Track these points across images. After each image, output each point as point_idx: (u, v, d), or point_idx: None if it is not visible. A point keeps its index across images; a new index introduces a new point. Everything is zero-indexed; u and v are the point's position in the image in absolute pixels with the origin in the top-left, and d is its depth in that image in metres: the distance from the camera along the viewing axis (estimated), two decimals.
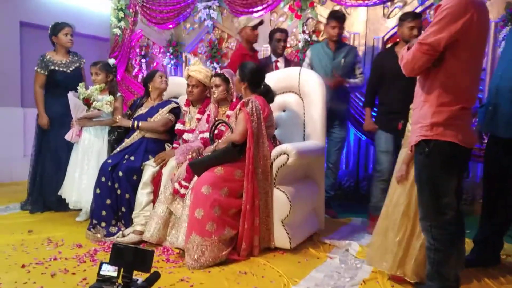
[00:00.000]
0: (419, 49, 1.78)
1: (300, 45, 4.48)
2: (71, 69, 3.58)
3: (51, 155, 3.49)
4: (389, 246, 2.17)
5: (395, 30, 3.96)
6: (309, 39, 4.45)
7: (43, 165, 3.53)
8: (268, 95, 2.82)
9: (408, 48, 1.88)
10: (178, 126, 3.18)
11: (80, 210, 3.32)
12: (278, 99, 3.19)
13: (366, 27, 4.26)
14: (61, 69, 3.55)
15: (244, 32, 3.67)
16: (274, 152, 2.65)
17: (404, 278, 2.15)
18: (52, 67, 3.53)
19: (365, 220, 3.49)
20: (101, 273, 1.48)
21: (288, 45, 4.65)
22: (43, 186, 3.52)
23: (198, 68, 3.10)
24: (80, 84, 3.30)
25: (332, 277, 2.29)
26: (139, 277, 1.47)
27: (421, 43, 1.77)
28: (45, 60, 3.53)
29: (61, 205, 3.40)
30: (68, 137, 3.29)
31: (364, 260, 2.53)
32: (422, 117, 1.86)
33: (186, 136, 3.11)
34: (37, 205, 3.51)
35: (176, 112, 3.26)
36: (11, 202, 3.77)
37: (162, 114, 3.22)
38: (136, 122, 3.16)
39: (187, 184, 2.66)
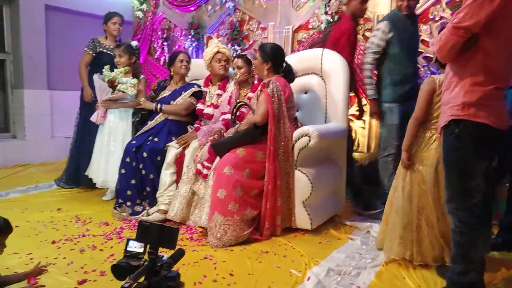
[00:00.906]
0: (454, 33, 1.70)
1: (323, 26, 4.40)
2: None
3: (89, 135, 3.61)
4: (395, 231, 2.23)
5: (420, 10, 3.84)
6: (331, 20, 4.37)
7: (82, 143, 3.68)
8: (290, 75, 2.80)
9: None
10: (199, 106, 3.21)
11: (107, 189, 3.42)
12: (299, 81, 3.18)
13: (390, 8, 4.14)
14: (108, 52, 3.74)
15: (351, 4, 3.23)
16: (296, 133, 2.65)
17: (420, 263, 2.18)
18: (100, 49, 3.75)
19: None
20: (128, 249, 1.52)
21: (310, 27, 4.60)
22: (79, 163, 3.66)
23: (225, 46, 3.23)
24: (106, 67, 3.35)
25: (354, 258, 2.31)
26: (165, 254, 1.51)
27: (456, 26, 1.68)
28: (95, 42, 3.77)
29: (92, 183, 3.51)
30: (93, 118, 3.37)
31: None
32: (453, 97, 1.81)
33: (206, 110, 3.16)
34: (72, 181, 3.71)
35: (198, 95, 3.29)
36: (40, 182, 3.91)
37: (185, 98, 3.25)
38: (159, 105, 3.21)
39: (209, 165, 2.70)
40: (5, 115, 4.91)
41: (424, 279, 2.06)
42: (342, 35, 3.22)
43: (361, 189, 3.30)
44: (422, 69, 4.00)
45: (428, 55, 3.96)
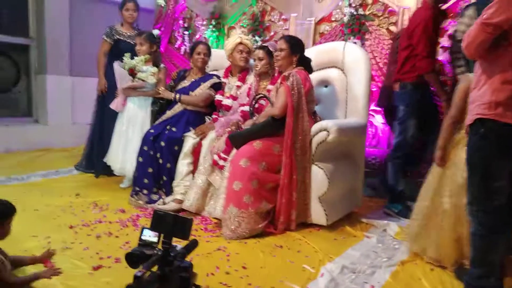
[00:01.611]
0: (483, 29, 1.63)
1: (345, 19, 4.31)
2: (134, 41, 3.69)
3: (107, 121, 3.64)
4: (418, 227, 2.22)
5: (448, 4, 3.71)
6: (355, 13, 4.28)
7: (100, 130, 3.72)
8: (308, 68, 2.77)
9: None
10: (218, 97, 3.20)
11: (125, 176, 3.45)
12: (320, 74, 3.13)
13: (416, 1, 4.02)
14: (125, 40, 3.74)
15: None
16: (314, 128, 2.61)
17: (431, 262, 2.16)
18: (117, 37, 3.74)
19: (407, 202, 3.40)
20: (143, 237, 1.53)
21: (333, 19, 4.52)
22: (97, 150, 3.70)
23: (247, 37, 3.20)
24: (126, 54, 3.36)
25: (369, 256, 2.27)
26: (178, 243, 1.51)
27: (486, 23, 1.61)
28: (112, 30, 3.76)
29: (110, 170, 3.54)
30: (113, 106, 3.40)
31: (402, 241, 2.50)
32: (480, 95, 1.75)
33: (225, 101, 3.15)
34: (90, 166, 3.77)
35: (217, 87, 3.27)
36: (60, 167, 3.98)
37: (203, 89, 3.25)
38: (178, 95, 3.21)
39: (226, 157, 2.69)
40: (29, 100, 5.01)
41: (441, 281, 2.01)
42: (416, 26, 2.89)
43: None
44: (448, 65, 3.89)
45: None
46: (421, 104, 3.01)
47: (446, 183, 2.14)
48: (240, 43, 3.11)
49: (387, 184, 3.19)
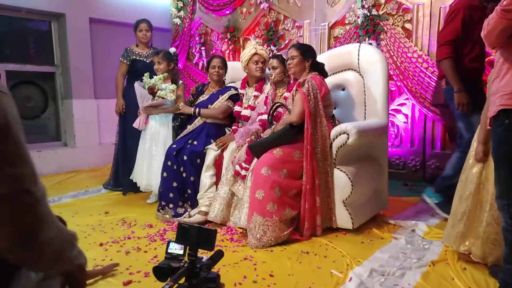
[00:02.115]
0: (504, 16, 1.59)
1: (359, 21, 4.30)
2: (149, 60, 3.84)
3: (130, 139, 3.74)
4: (457, 221, 2.12)
5: None
6: (368, 14, 4.26)
7: (124, 149, 3.83)
8: (322, 73, 2.78)
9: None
10: (236, 108, 3.24)
11: (151, 192, 3.53)
12: (336, 78, 3.13)
13: None
14: (141, 59, 3.87)
15: None
16: (334, 131, 2.60)
17: (478, 261, 2.04)
18: (134, 57, 3.87)
19: (434, 201, 3.33)
20: (169, 251, 1.56)
21: (346, 22, 4.51)
22: (123, 168, 3.81)
23: (263, 48, 3.23)
24: (145, 74, 3.46)
25: (398, 258, 2.23)
26: (204, 255, 1.54)
27: (506, 9, 1.57)
28: (128, 51, 3.89)
29: (136, 187, 3.63)
30: (136, 125, 3.49)
31: (432, 240, 2.44)
32: (503, 85, 1.69)
33: (244, 112, 3.18)
34: (118, 185, 3.88)
35: (235, 98, 3.32)
36: (89, 187, 4.11)
37: (222, 101, 3.30)
38: (197, 109, 3.28)
39: (247, 166, 2.71)
40: (57, 124, 5.20)
41: (475, 280, 1.96)
42: (449, 15, 2.78)
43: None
44: None
45: None
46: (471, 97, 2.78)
47: (489, 178, 2.02)
48: (255, 53, 3.15)
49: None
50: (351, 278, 1.96)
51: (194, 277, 1.42)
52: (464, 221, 2.10)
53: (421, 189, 3.76)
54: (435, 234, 2.54)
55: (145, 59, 3.87)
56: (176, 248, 1.57)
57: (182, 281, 1.36)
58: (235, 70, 3.60)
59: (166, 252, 1.56)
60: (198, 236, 1.53)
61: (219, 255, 1.58)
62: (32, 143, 4.93)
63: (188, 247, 1.54)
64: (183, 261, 1.54)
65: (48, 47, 5.05)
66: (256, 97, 3.19)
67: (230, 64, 3.53)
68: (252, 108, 3.18)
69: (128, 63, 3.87)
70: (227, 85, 3.49)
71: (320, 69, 2.77)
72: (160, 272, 1.42)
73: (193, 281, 1.41)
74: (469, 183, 2.11)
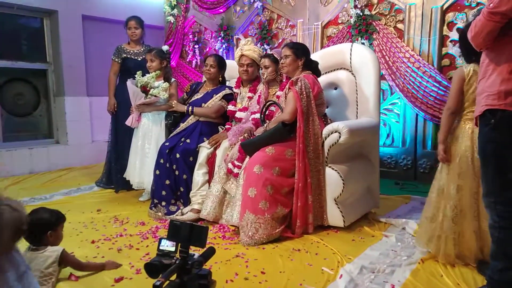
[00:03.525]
0: (491, 18, 1.60)
1: (352, 20, 4.33)
2: (141, 57, 3.83)
3: (122, 137, 3.74)
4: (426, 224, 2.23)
5: None
6: (361, 14, 4.29)
7: (116, 146, 3.81)
8: (316, 72, 2.79)
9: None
10: (230, 107, 3.24)
11: (144, 190, 3.53)
12: (328, 77, 3.15)
13: None
14: (132, 57, 3.85)
15: None
16: (325, 130, 2.62)
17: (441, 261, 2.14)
18: (125, 55, 3.84)
19: (425, 199, 3.36)
20: (161, 248, 1.57)
21: (339, 21, 4.54)
22: (115, 166, 3.80)
23: (251, 47, 3.14)
24: (138, 72, 3.45)
25: (388, 255, 2.26)
26: (196, 252, 1.55)
27: (493, 12, 1.58)
28: (119, 49, 3.87)
29: (129, 185, 3.62)
30: (128, 122, 3.48)
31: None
32: (488, 86, 1.72)
33: (238, 114, 3.17)
34: (110, 182, 3.88)
35: (229, 98, 3.31)
36: (81, 184, 4.10)
37: (216, 100, 3.29)
38: (190, 108, 3.27)
39: (240, 164, 2.72)
40: (49, 121, 5.17)
41: (463, 277, 1.99)
42: None
43: None
44: (459, 59, 3.86)
45: None
46: None
47: (455, 176, 2.11)
48: (242, 55, 3.13)
49: None
50: (341, 275, 1.97)
51: (185, 274, 1.43)
52: (429, 223, 2.20)
53: (412, 188, 3.83)
54: (418, 238, 2.56)
55: (136, 57, 3.85)
56: (168, 245, 1.58)
57: (173, 277, 1.37)
58: (228, 69, 3.60)
59: (158, 249, 1.57)
60: (190, 233, 1.54)
61: (211, 252, 1.59)
62: (24, 141, 4.91)
63: (179, 244, 1.55)
64: (174, 258, 1.55)
65: (40, 44, 5.02)
66: (250, 98, 3.18)
67: (227, 62, 3.52)
68: (247, 110, 3.17)
69: (119, 61, 3.84)
70: (222, 85, 3.48)
71: (313, 68, 2.78)
72: (152, 268, 1.43)
73: (185, 277, 1.42)
74: (435, 185, 2.22)
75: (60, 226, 1.95)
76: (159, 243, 1.57)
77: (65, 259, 1.91)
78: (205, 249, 1.55)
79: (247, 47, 3.13)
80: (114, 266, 2.09)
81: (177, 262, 1.44)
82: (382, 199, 3.15)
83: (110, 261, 2.11)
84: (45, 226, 1.88)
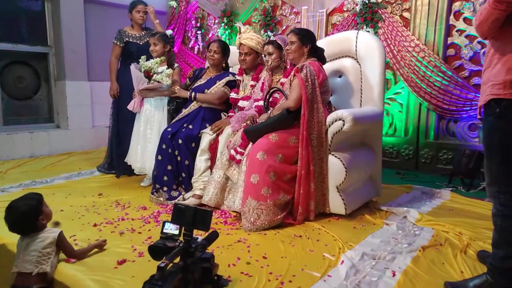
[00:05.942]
0: (496, 7, 1.59)
1: (358, 8, 4.29)
2: (143, 41, 3.80)
3: (124, 122, 3.72)
4: None
5: None
6: (367, 1, 4.25)
7: (118, 131, 3.80)
8: (322, 59, 2.77)
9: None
10: (232, 95, 3.22)
11: (145, 175, 3.52)
12: (333, 64, 3.13)
13: None
14: (134, 41, 3.81)
15: None
16: (329, 118, 2.61)
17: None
18: (127, 39, 3.81)
19: (426, 189, 3.39)
20: (164, 231, 1.57)
21: (345, 9, 4.49)
22: (117, 151, 3.78)
23: (249, 36, 3.09)
24: (142, 57, 3.41)
25: (389, 243, 2.26)
26: (199, 235, 1.55)
27: (498, 0, 1.57)
28: (121, 32, 3.83)
29: (130, 170, 3.61)
30: (130, 107, 3.46)
31: (423, 227, 2.48)
32: (494, 75, 1.71)
33: (241, 103, 3.14)
34: (112, 167, 3.86)
35: (232, 85, 3.29)
36: (82, 169, 4.09)
37: (219, 87, 3.27)
38: (193, 93, 3.25)
39: (242, 151, 2.72)
40: (49, 106, 5.15)
41: (464, 265, 1.99)
42: None
43: None
44: (464, 48, 3.83)
45: (471, 33, 3.79)
46: None
47: None
48: (240, 44, 3.09)
49: None
50: (343, 261, 1.98)
51: (189, 257, 1.43)
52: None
53: (414, 178, 3.84)
54: (426, 221, 2.58)
55: (138, 41, 3.82)
56: (171, 228, 1.58)
57: (177, 260, 1.38)
58: (231, 55, 3.57)
59: (162, 232, 1.57)
60: (194, 216, 1.54)
61: (214, 235, 1.59)
62: (24, 124, 4.89)
63: (183, 228, 1.55)
64: (178, 241, 1.55)
65: (41, 27, 4.97)
66: (252, 86, 3.15)
67: (230, 48, 3.49)
68: (249, 98, 3.15)
69: (121, 45, 3.81)
70: (225, 71, 3.46)
71: (319, 55, 2.76)
72: (156, 251, 1.43)
73: (188, 260, 1.42)
74: None
75: (43, 204, 1.88)
76: (163, 226, 1.57)
77: (61, 243, 1.89)
78: (208, 233, 1.56)
79: (245, 35, 3.08)
80: (101, 247, 2.10)
81: (180, 245, 1.45)
82: (383, 188, 3.16)
83: (97, 242, 2.11)
84: (33, 215, 1.83)
